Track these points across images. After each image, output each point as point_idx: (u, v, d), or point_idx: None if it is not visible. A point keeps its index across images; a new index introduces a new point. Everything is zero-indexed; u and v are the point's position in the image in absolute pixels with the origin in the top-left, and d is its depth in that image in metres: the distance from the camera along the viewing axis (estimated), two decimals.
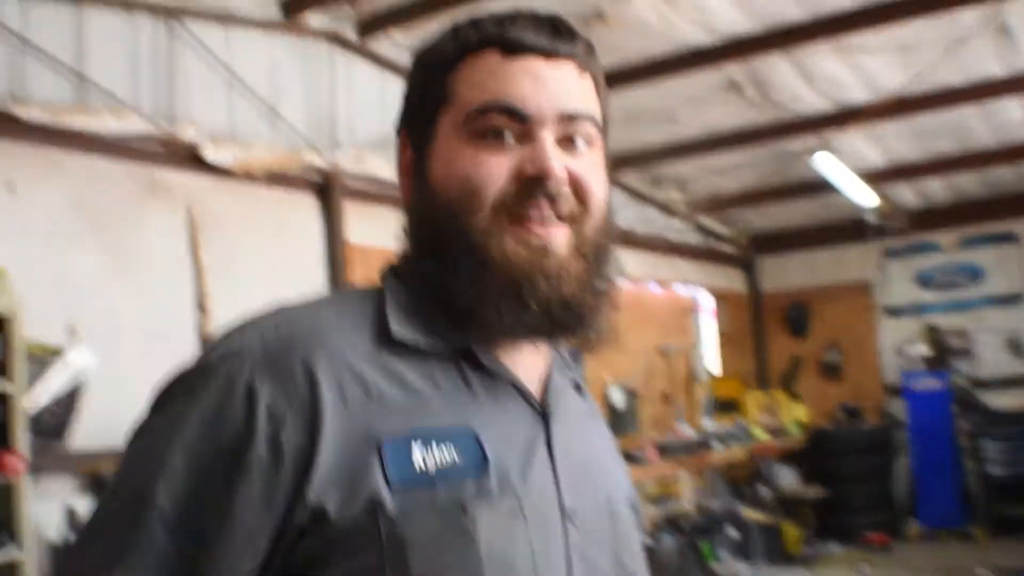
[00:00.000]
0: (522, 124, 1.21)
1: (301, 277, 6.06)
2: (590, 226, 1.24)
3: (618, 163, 9.67)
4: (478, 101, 1.21)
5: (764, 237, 12.70)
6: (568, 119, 1.23)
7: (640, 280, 10.45)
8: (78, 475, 5.02)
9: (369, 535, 1.08)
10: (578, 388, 1.39)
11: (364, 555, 1.08)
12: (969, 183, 11.06)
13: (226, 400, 1.10)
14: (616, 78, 7.67)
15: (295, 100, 6.41)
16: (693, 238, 11.71)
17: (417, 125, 1.30)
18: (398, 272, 1.30)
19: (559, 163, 1.21)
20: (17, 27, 5.08)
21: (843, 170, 9.47)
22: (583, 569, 1.20)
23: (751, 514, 10.02)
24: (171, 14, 5.76)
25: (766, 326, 12.91)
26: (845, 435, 11.63)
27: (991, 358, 11.57)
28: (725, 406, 11.56)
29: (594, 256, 1.25)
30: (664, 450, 8.89)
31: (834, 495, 11.13)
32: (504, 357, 1.24)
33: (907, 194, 11.26)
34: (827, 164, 9.24)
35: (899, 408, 11.75)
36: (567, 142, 1.24)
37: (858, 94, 8.20)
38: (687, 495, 9.35)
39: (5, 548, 4.32)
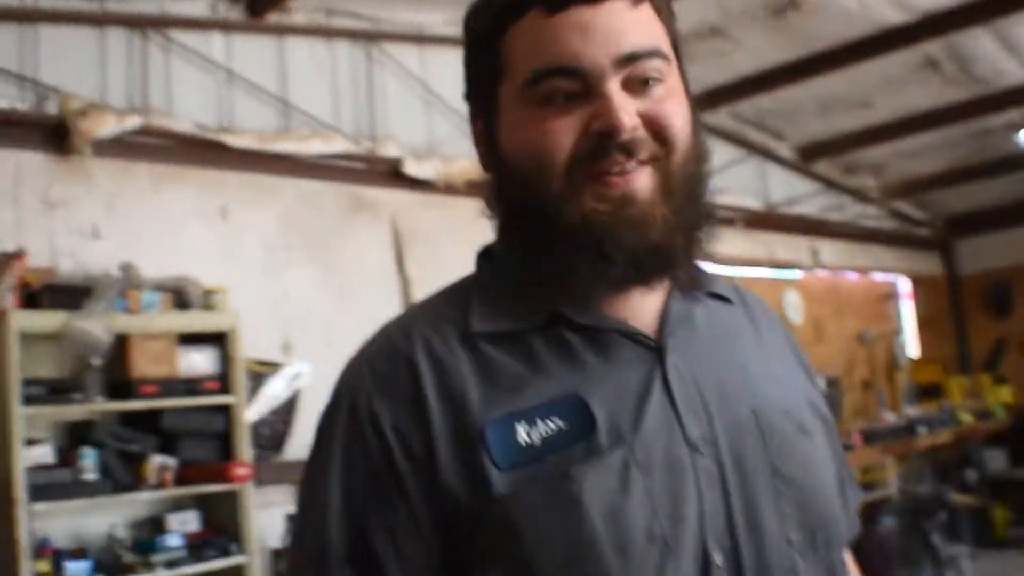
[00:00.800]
0: (582, 80, 1.12)
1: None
2: (675, 161, 1.16)
3: (810, 152, 9.42)
4: (531, 68, 1.14)
5: (961, 218, 12.15)
6: (629, 61, 1.13)
7: (837, 269, 10.17)
8: (297, 484, 5.07)
9: (484, 517, 1.08)
10: (725, 299, 1.31)
11: (484, 537, 1.08)
12: None
13: (359, 431, 1.13)
14: (807, 66, 7.43)
15: None
16: (889, 224, 11.31)
17: (480, 98, 1.24)
18: (491, 252, 1.27)
19: (628, 113, 1.12)
20: (223, 60, 5.17)
21: None
22: (715, 492, 1.12)
23: (959, 498, 9.64)
24: (368, 38, 5.81)
25: (966, 308, 12.36)
26: None
27: None
28: (928, 391, 11.15)
29: (685, 190, 1.16)
30: (869, 437, 8.58)
31: None
32: (607, 307, 1.18)
33: None
34: None
35: None
36: (635, 84, 1.14)
37: None
38: (893, 481, 9.04)
39: (232, 554, 4.42)
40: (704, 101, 8.03)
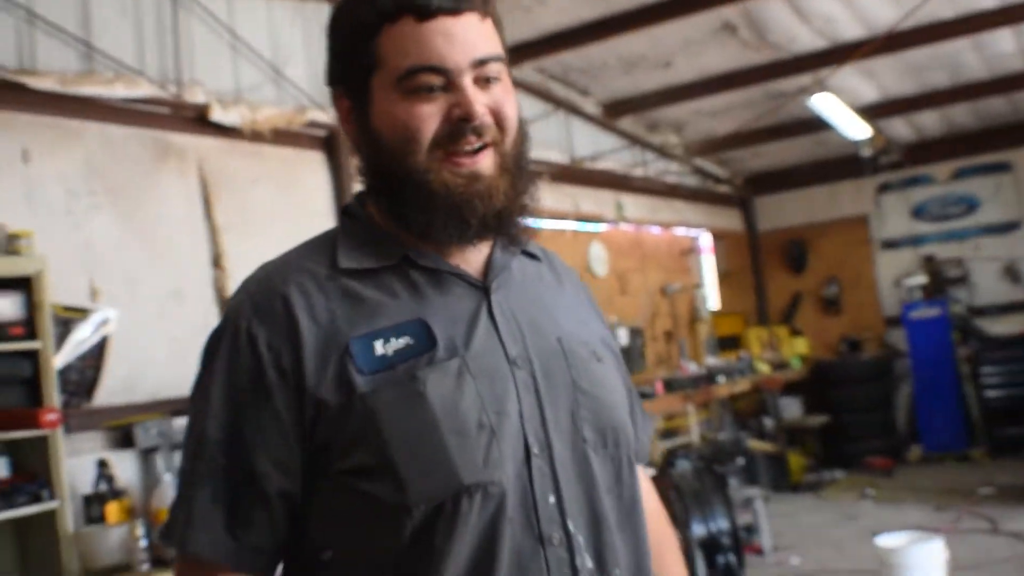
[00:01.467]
0: (444, 76, 1.48)
1: (311, 230, 6.08)
2: (508, 142, 1.54)
3: (615, 109, 9.74)
4: (405, 65, 1.48)
5: (760, 177, 12.76)
6: (480, 63, 1.50)
7: (640, 223, 10.54)
8: (107, 430, 5.13)
9: (351, 411, 1.43)
10: (534, 257, 1.71)
11: (351, 427, 1.43)
12: (962, 115, 11.08)
13: (238, 348, 1.49)
14: (610, 25, 7.72)
15: (298, 60, 6.46)
16: (691, 180, 11.77)
17: (352, 83, 1.56)
18: (350, 210, 1.64)
19: (480, 103, 1.49)
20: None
21: (838, 107, 9.49)
22: (531, 397, 1.50)
23: (757, 444, 10.17)
24: None
25: (765, 263, 13.00)
26: (847, 366, 11.77)
27: (988, 286, 11.67)
28: (728, 342, 11.69)
29: (515, 165, 1.55)
30: (670, 385, 9.00)
31: (837, 424, 11.31)
32: (445, 255, 1.56)
33: (901, 128, 11.29)
34: (823, 102, 9.27)
35: (899, 338, 11.85)
36: (482, 81, 1.51)
37: (852, 31, 8.22)
38: (694, 428, 9.47)
39: (44, 500, 4.45)
40: (510, 56, 8.24)
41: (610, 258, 9.92)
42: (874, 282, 12.33)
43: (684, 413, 9.39)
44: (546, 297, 1.66)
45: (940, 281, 11.70)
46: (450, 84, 1.48)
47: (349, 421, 1.43)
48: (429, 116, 1.48)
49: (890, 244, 12.24)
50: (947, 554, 5.76)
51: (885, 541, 5.97)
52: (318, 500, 1.48)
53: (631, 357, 9.67)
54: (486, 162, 1.51)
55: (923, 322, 11.38)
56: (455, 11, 1.48)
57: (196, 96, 5.78)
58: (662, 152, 10.84)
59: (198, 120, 5.79)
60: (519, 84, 8.31)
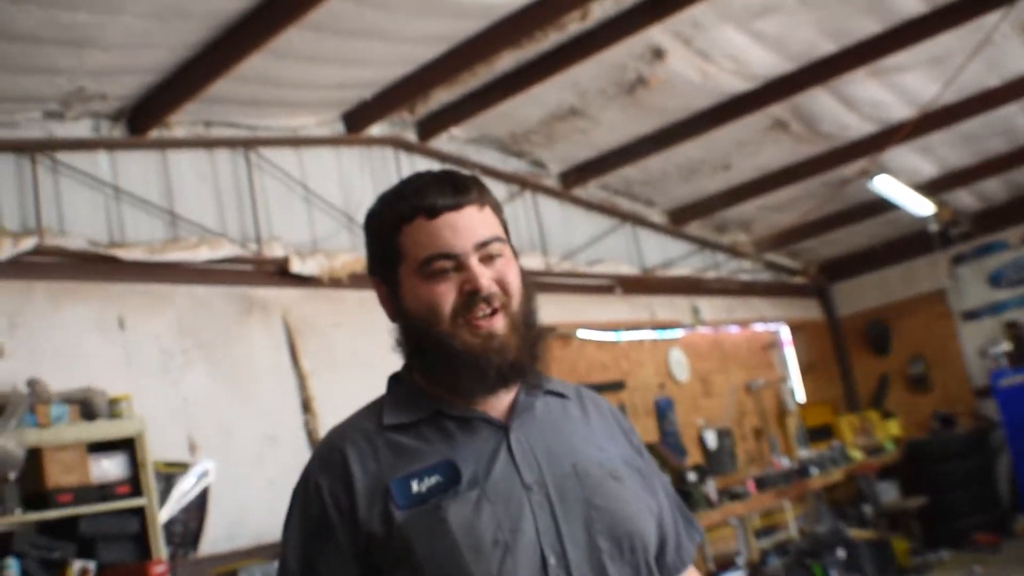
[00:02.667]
0: (454, 260, 1.80)
1: (392, 365, 6.26)
2: (515, 304, 1.84)
3: (680, 215, 9.91)
4: (423, 255, 1.81)
5: (833, 264, 12.75)
6: (482, 245, 1.83)
7: (718, 324, 10.59)
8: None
9: (392, 538, 1.72)
10: (562, 395, 1.99)
11: (393, 551, 1.72)
12: None
13: (308, 497, 1.82)
14: (665, 137, 7.96)
15: (369, 203, 6.72)
16: (765, 276, 11.83)
17: (385, 273, 1.89)
18: (398, 376, 1.94)
19: (486, 277, 1.80)
20: (109, 177, 5.49)
21: (899, 186, 9.54)
22: (546, 515, 1.76)
23: (857, 532, 10.04)
24: (247, 144, 6.14)
25: (848, 349, 12.91)
26: (941, 442, 11.49)
27: None
28: (819, 433, 11.54)
29: (524, 323, 1.85)
30: (763, 483, 8.98)
31: (937, 503, 11.02)
32: (474, 403, 1.84)
33: (966, 198, 11.25)
34: (883, 184, 9.34)
35: (991, 408, 11.61)
36: (487, 258, 1.83)
37: (900, 111, 8.34)
38: (791, 523, 9.41)
39: None
40: (573, 177, 8.54)
41: (690, 362, 9.95)
42: (959, 355, 12.16)
43: (780, 509, 9.36)
44: (566, 430, 1.93)
45: None
46: (460, 265, 1.80)
47: (391, 547, 1.73)
48: (446, 292, 1.80)
49: (971, 315, 12.10)
50: None
51: None
52: None
53: (720, 459, 9.69)
54: (499, 324, 1.81)
55: (1013, 388, 11.20)
56: (456, 207, 1.83)
57: (275, 251, 6.06)
58: (732, 251, 10.95)
59: (279, 273, 6.06)
60: (585, 203, 8.60)
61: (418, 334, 1.83)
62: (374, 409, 1.90)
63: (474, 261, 1.81)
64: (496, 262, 1.84)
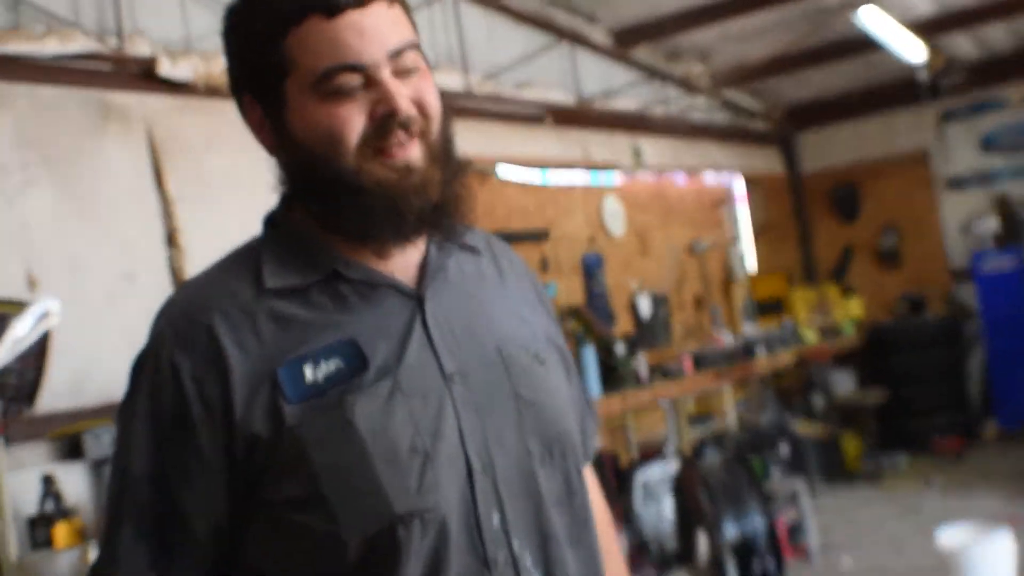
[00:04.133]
0: (362, 74, 1.66)
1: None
2: (434, 131, 1.74)
3: (628, 37, 9.83)
4: (320, 67, 1.66)
5: (802, 109, 12.81)
6: (396, 54, 1.69)
7: (662, 170, 10.63)
8: (52, 440, 5.27)
9: (280, 443, 1.62)
10: (474, 250, 1.92)
11: (281, 459, 1.63)
12: None
13: (161, 381, 1.67)
14: None
15: None
16: (721, 117, 11.86)
17: (262, 90, 1.74)
18: (274, 220, 1.83)
19: (404, 97, 1.68)
20: None
21: (889, 23, 9.55)
22: (471, 414, 1.71)
23: (804, 427, 10.32)
24: None
25: (810, 211, 13.07)
26: (908, 329, 11.84)
27: None
28: (768, 307, 11.70)
29: (444, 153, 1.75)
30: (701, 361, 9.11)
31: (898, 400, 11.37)
32: (375, 263, 1.76)
33: (965, 45, 11.34)
34: (870, 17, 9.33)
35: (969, 294, 11.94)
36: (401, 72, 1.70)
37: None
38: (731, 411, 9.61)
39: None
40: None
41: (628, 214, 10.01)
42: (938, 228, 12.38)
43: (718, 393, 9.54)
44: (484, 297, 1.88)
45: (1016, 225, 11.71)
46: (370, 80, 1.67)
47: (279, 453, 1.63)
48: (353, 116, 1.67)
49: (956, 183, 12.28)
50: (1017, 548, 5.94)
51: (946, 536, 6.15)
52: (256, 530, 1.69)
53: (654, 330, 9.82)
54: (415, 153, 1.70)
55: (997, 275, 11.46)
56: (361, 3, 1.66)
57: (140, 48, 5.88)
58: (686, 85, 10.93)
59: (144, 76, 5.90)
60: (515, 13, 8.48)
61: (312, 169, 1.69)
62: (247, 263, 1.76)
63: (387, 75, 1.67)
64: (412, 77, 1.72)
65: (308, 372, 1.64)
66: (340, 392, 1.63)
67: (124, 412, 1.72)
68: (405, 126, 1.67)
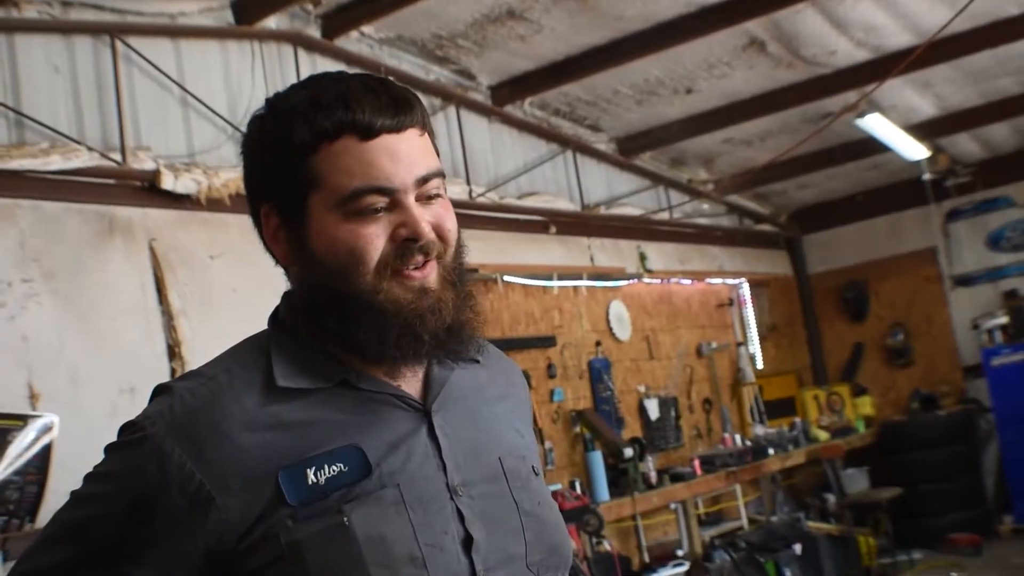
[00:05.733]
0: (389, 196, 1.68)
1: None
2: (451, 255, 1.76)
3: (631, 145, 9.88)
4: (350, 187, 1.67)
5: (807, 211, 12.84)
6: (423, 181, 1.71)
7: (668, 275, 10.60)
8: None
9: (275, 545, 1.59)
10: (473, 361, 1.89)
11: (276, 560, 1.59)
12: None
13: (142, 460, 1.61)
14: (619, 49, 7.88)
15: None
16: (726, 221, 11.87)
17: (285, 202, 1.74)
18: (284, 323, 1.81)
19: (426, 223, 1.69)
20: None
21: (891, 126, 9.59)
22: (480, 527, 1.70)
23: (817, 525, 10.18)
24: (113, 31, 5.95)
25: (818, 312, 13.04)
26: (920, 426, 11.70)
27: None
28: (779, 408, 11.66)
29: (458, 278, 1.76)
30: (711, 463, 9.06)
31: (912, 496, 11.17)
32: (383, 375, 1.75)
33: (968, 145, 11.38)
34: (873, 122, 9.38)
35: (981, 390, 11.84)
36: (424, 198, 1.72)
37: (899, 38, 8.35)
38: (743, 511, 9.51)
39: None
40: (507, 92, 8.47)
41: (634, 318, 9.98)
42: (947, 326, 12.35)
43: (730, 494, 9.45)
44: (485, 410, 1.88)
45: None
46: (395, 204, 1.68)
47: (272, 554, 1.60)
48: (376, 237, 1.67)
49: (964, 280, 12.27)
50: None
51: None
52: None
53: (663, 433, 9.75)
54: (432, 275, 1.71)
55: (1008, 369, 11.37)
56: (398, 129, 1.69)
57: (143, 163, 5.90)
58: (690, 191, 10.96)
59: (147, 189, 5.92)
60: (519, 124, 8.54)
61: (329, 284, 1.69)
62: (256, 359, 1.74)
63: (412, 200, 1.69)
64: (434, 203, 1.74)
65: (311, 475, 1.62)
66: (341, 496, 1.61)
67: (96, 476, 1.71)
68: (424, 251, 1.69)
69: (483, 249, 8.03)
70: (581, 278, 9.30)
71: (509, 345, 8.15)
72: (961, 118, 10.39)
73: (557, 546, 1.83)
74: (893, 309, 12.61)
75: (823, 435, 10.97)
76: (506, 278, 8.41)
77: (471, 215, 8.00)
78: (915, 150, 10.30)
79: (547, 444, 8.24)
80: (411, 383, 1.78)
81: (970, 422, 11.81)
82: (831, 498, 10.85)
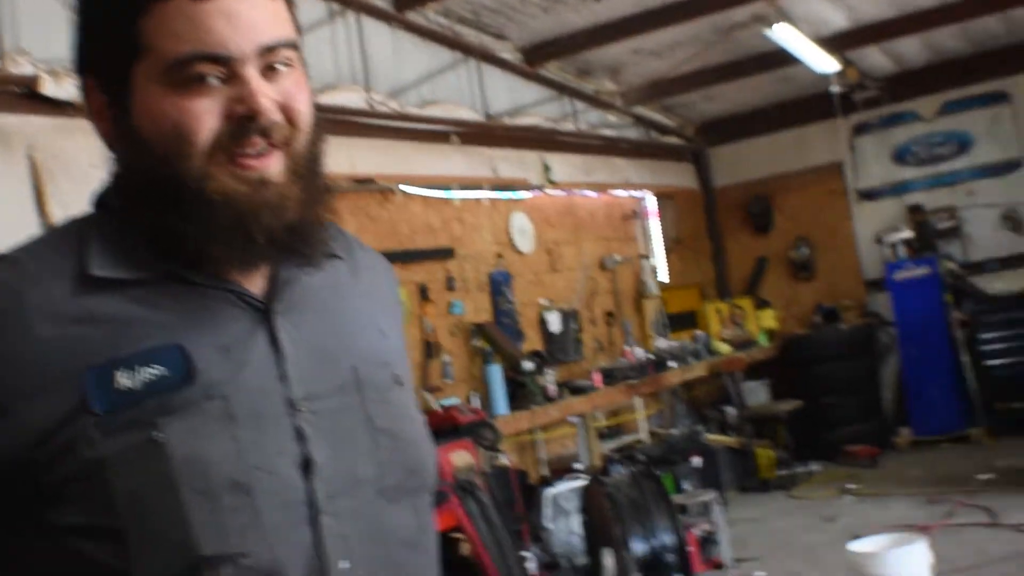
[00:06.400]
0: (224, 66, 1.42)
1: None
2: (301, 142, 1.50)
3: (536, 54, 9.75)
4: (177, 53, 1.41)
5: (714, 124, 12.80)
6: (268, 50, 1.45)
7: (572, 186, 10.54)
8: None
9: (73, 459, 1.36)
10: (330, 255, 1.63)
11: (73, 476, 1.36)
12: (949, 39, 11.13)
13: None
14: None
15: None
16: (632, 133, 11.80)
17: (107, 73, 1.48)
18: (106, 203, 1.56)
19: (268, 98, 1.44)
20: None
21: (800, 37, 9.54)
22: (324, 447, 1.46)
23: (717, 438, 10.26)
24: None
25: (723, 225, 13.07)
26: (822, 340, 11.86)
27: (984, 237, 11.80)
28: (681, 321, 11.72)
29: (309, 169, 1.51)
30: (612, 376, 9.06)
31: (812, 409, 11.33)
32: (223, 271, 1.49)
33: (878, 59, 11.36)
34: (782, 33, 9.32)
35: (883, 304, 11.97)
36: (270, 71, 1.46)
37: None
38: (643, 425, 9.54)
39: None
40: None
41: (537, 230, 9.95)
42: (851, 240, 12.44)
43: (630, 408, 9.47)
44: (340, 309, 1.63)
45: (928, 235, 11.77)
46: (232, 75, 1.43)
47: (70, 470, 1.37)
48: (205, 113, 1.42)
49: (869, 194, 12.34)
50: (933, 556, 5.86)
51: (860, 546, 6.06)
52: (19, 553, 1.44)
53: (563, 346, 9.74)
54: (275, 166, 1.47)
55: (910, 283, 11.46)
56: None
57: (22, 67, 5.74)
58: (596, 102, 10.88)
59: (26, 96, 5.75)
60: (421, 30, 8.38)
61: (152, 169, 1.44)
62: (71, 244, 1.48)
63: (253, 71, 1.43)
64: (283, 78, 1.47)
65: (122, 378, 1.37)
66: (158, 407, 1.37)
67: None
68: (265, 132, 1.44)
69: (382, 159, 7.92)
70: (483, 189, 9.23)
71: (407, 257, 8.11)
72: (873, 31, 10.33)
73: (416, 467, 1.59)
74: (798, 223, 12.66)
75: (725, 348, 11.03)
76: (405, 188, 8.32)
77: (370, 124, 7.85)
78: (825, 63, 10.27)
79: (446, 358, 8.21)
80: (254, 280, 1.52)
81: (871, 336, 11.99)
82: (731, 411, 10.93)
